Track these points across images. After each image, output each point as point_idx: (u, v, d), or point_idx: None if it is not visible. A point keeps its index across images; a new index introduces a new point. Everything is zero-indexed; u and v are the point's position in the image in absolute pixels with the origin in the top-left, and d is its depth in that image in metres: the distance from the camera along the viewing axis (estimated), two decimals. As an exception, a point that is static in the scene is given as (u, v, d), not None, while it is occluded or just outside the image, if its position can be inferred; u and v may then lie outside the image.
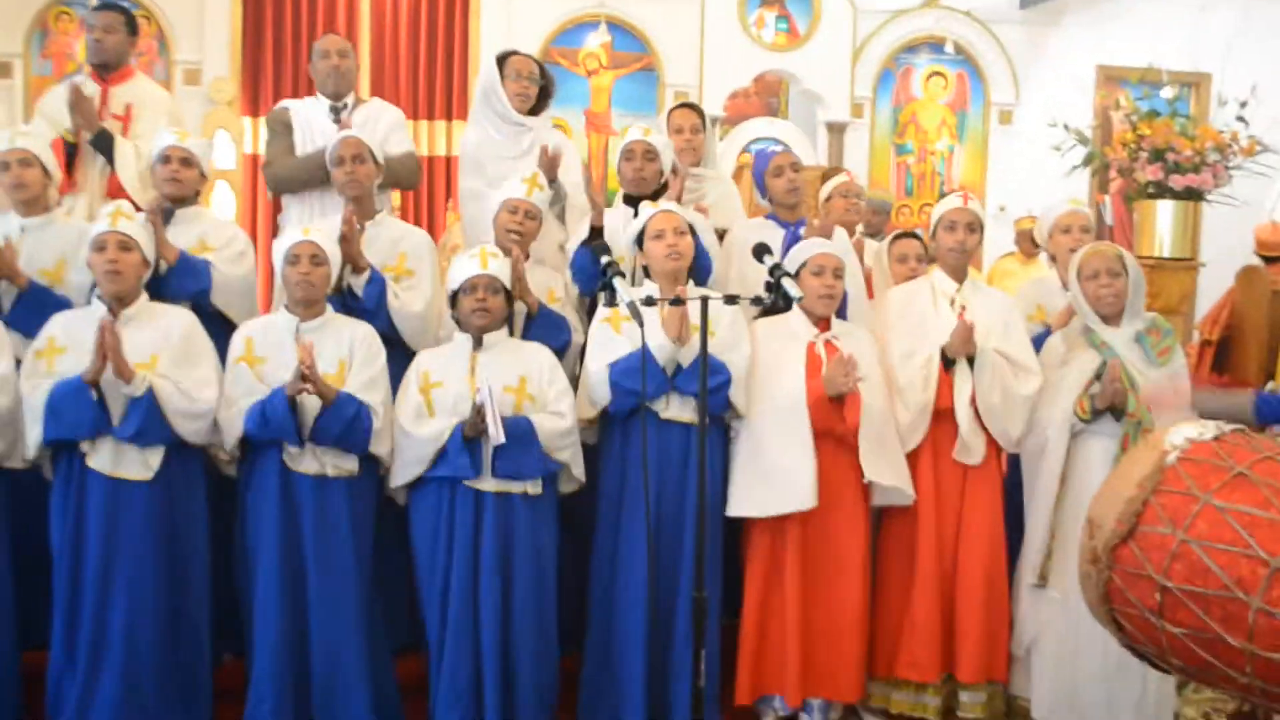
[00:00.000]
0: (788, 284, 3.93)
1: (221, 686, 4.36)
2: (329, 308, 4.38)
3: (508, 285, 4.38)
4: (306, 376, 4.04)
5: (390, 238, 4.85)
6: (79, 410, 3.97)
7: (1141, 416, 4.36)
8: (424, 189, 8.38)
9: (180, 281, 4.56)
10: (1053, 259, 5.23)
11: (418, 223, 8.22)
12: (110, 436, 4.02)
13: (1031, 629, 4.57)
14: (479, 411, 4.12)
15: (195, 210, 4.82)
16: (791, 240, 4.81)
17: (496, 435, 4.09)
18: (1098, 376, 4.44)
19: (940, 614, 4.64)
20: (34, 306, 4.44)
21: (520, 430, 4.19)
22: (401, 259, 4.83)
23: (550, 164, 5.00)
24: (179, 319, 4.27)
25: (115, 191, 5.22)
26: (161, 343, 4.13)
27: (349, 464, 4.25)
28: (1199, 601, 3.02)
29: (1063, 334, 4.77)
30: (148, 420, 3.99)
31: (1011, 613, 4.67)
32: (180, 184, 4.71)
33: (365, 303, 4.57)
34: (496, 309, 4.33)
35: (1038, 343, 4.82)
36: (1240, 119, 6.56)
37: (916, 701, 4.70)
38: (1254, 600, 2.93)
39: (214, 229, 4.84)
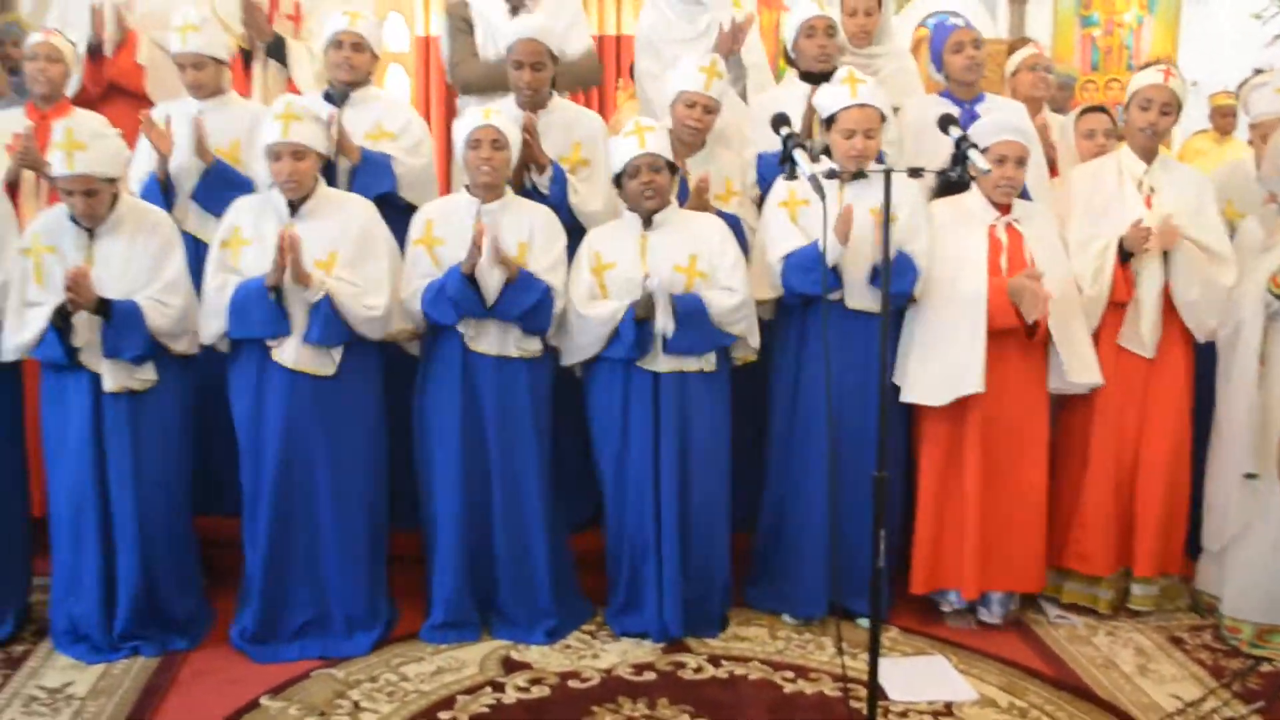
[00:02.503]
0: (975, 156, 3.81)
1: (394, 553, 4.51)
2: (509, 190, 4.40)
3: (668, 157, 4.33)
4: (489, 249, 4.08)
5: (564, 124, 4.80)
6: (260, 313, 4.09)
7: None
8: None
9: (366, 180, 4.63)
10: (1250, 143, 4.95)
11: (589, 104, 8.17)
12: (293, 339, 4.13)
13: (1232, 523, 4.43)
14: (650, 298, 4.12)
15: (369, 92, 4.87)
16: (968, 119, 4.64)
17: (666, 326, 4.10)
18: None
19: (1116, 506, 4.55)
20: (219, 184, 4.61)
21: (691, 308, 4.19)
22: (576, 148, 4.81)
23: (727, 41, 4.90)
24: (358, 212, 4.31)
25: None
26: (339, 238, 4.19)
27: (532, 345, 4.31)
28: None
29: (1260, 217, 4.54)
30: (328, 324, 4.09)
31: (1205, 509, 4.55)
32: (354, 69, 4.75)
33: (550, 199, 4.58)
34: (662, 186, 4.31)
35: None
36: None
37: (1089, 592, 4.65)
38: None
39: (389, 112, 4.87)
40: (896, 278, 4.17)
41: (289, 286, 4.07)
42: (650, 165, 4.27)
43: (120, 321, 4.03)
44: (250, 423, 4.23)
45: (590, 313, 4.26)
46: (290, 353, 4.15)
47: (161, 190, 4.63)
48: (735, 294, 4.28)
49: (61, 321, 4.02)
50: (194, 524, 4.42)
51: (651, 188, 4.27)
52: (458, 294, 4.16)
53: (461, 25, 5.32)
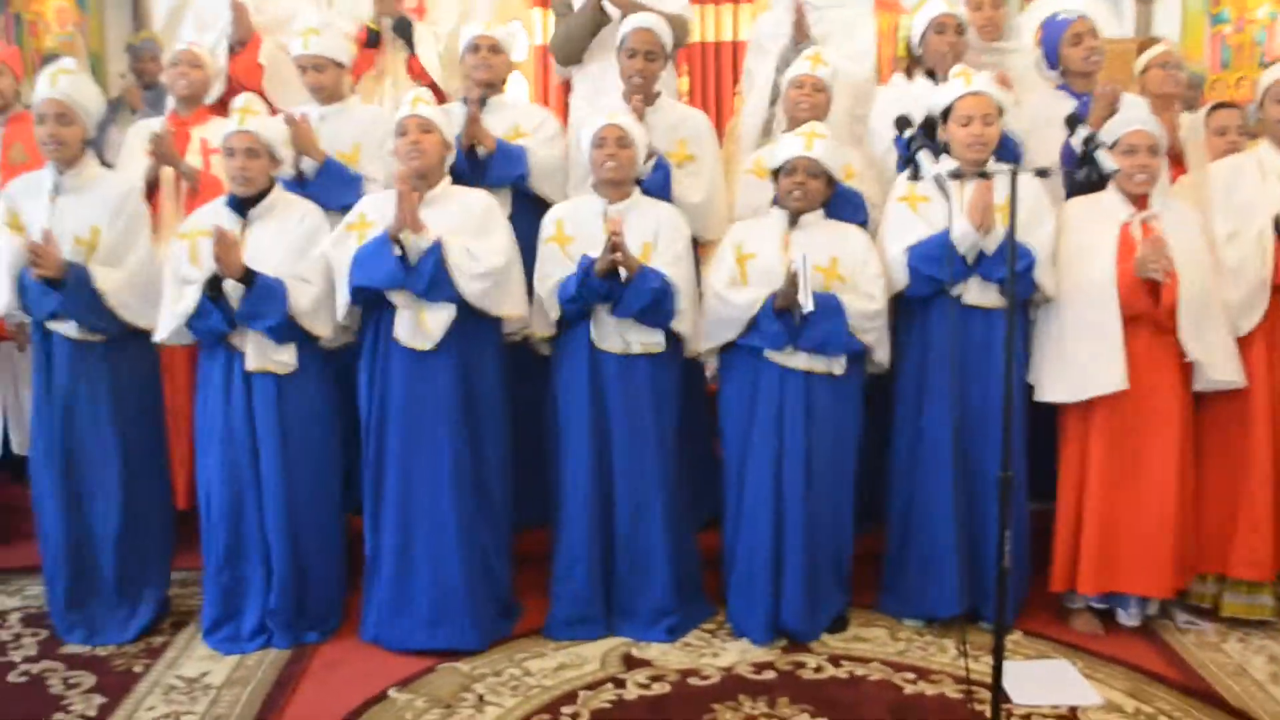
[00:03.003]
0: (1102, 156, 3.75)
1: (521, 553, 4.58)
2: (635, 190, 4.45)
3: (830, 170, 4.35)
4: (616, 247, 4.13)
5: (669, 123, 4.87)
6: (379, 260, 4.16)
7: None
8: (711, 73, 8.35)
9: (500, 168, 4.72)
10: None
11: (704, 107, 8.20)
12: (407, 301, 4.20)
13: None
14: (792, 279, 4.12)
15: (504, 98, 4.98)
16: (1085, 111, 4.58)
17: (806, 302, 4.09)
18: None
19: (1276, 507, 4.42)
20: (332, 180, 4.72)
21: (829, 305, 4.20)
22: (681, 145, 4.86)
23: (798, 28, 4.99)
24: (479, 199, 4.41)
25: (418, 74, 5.47)
26: (460, 219, 4.29)
27: (654, 340, 4.35)
28: None
29: None
30: (435, 273, 4.13)
31: None
32: (491, 69, 4.87)
33: (650, 188, 4.61)
34: (814, 192, 4.33)
35: None
36: None
37: (1251, 603, 4.50)
38: None
39: (525, 114, 4.98)
40: (1000, 263, 4.14)
41: (412, 244, 4.13)
42: (808, 169, 4.30)
43: (262, 289, 4.17)
44: (376, 414, 4.32)
45: (732, 297, 4.29)
46: (405, 326, 4.23)
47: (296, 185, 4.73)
48: (874, 301, 4.29)
49: (214, 292, 4.17)
50: (344, 521, 4.54)
51: (802, 189, 4.30)
52: (590, 291, 4.22)
53: (561, 9, 5.46)
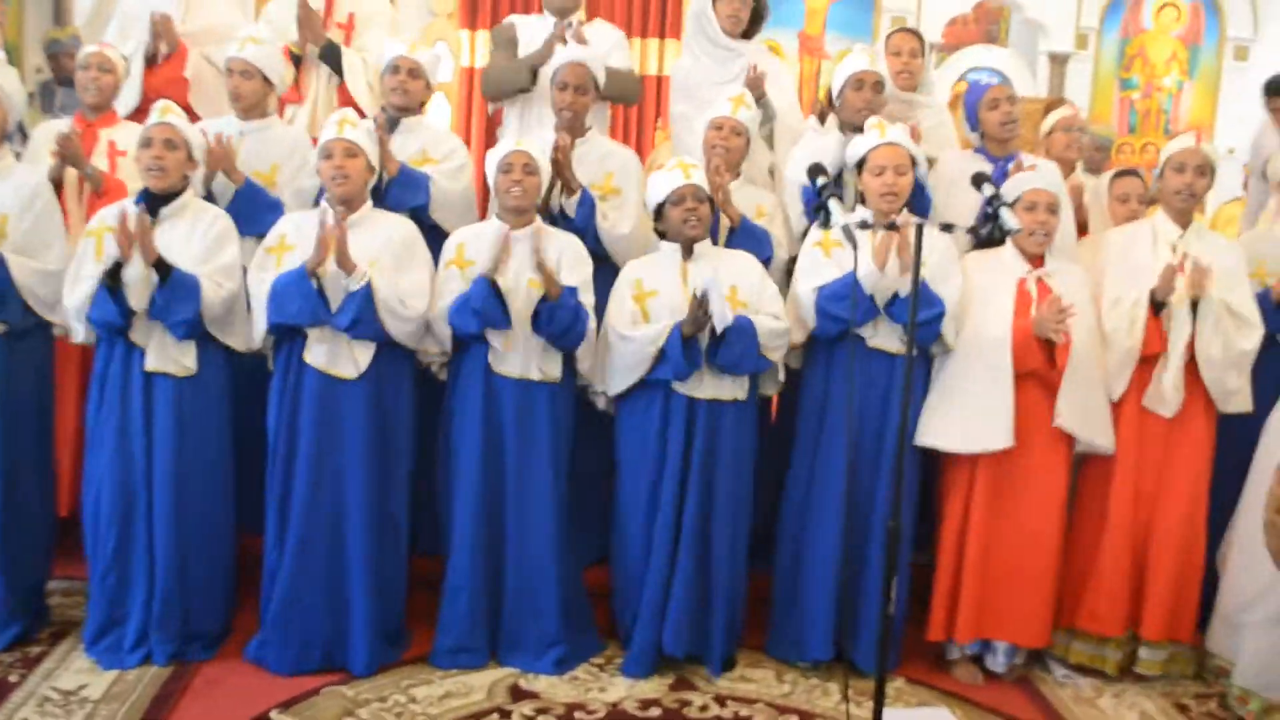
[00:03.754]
0: (1006, 215, 3.84)
1: (415, 578, 4.54)
2: (539, 218, 4.46)
3: (711, 195, 4.41)
4: (540, 266, 4.17)
5: (598, 156, 4.90)
6: (300, 298, 4.13)
7: None
8: (634, 107, 8.38)
9: (400, 194, 4.69)
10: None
11: (626, 141, 8.25)
12: (327, 332, 4.18)
13: (1250, 590, 4.41)
14: (701, 303, 4.16)
15: (418, 120, 4.95)
16: (1000, 176, 4.69)
17: (724, 316, 4.15)
18: None
19: (1131, 568, 4.54)
20: (248, 204, 4.65)
21: (740, 324, 4.24)
22: (609, 178, 4.89)
23: (754, 82, 4.98)
24: (402, 227, 4.41)
25: (345, 102, 5.41)
26: (382, 248, 4.27)
27: (553, 368, 4.35)
28: None
29: None
30: (362, 313, 4.13)
31: (1224, 574, 4.55)
32: (407, 94, 4.84)
33: (576, 222, 4.65)
34: (706, 216, 4.39)
35: (1260, 301, 4.66)
36: None
37: (1096, 653, 4.62)
38: None
39: (435, 140, 4.95)
40: (923, 307, 4.21)
41: (330, 276, 4.13)
42: (694, 194, 4.35)
43: (177, 284, 4.11)
44: (284, 435, 4.28)
45: (635, 333, 4.32)
46: (322, 353, 4.21)
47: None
48: (779, 320, 4.36)
49: (113, 281, 4.10)
50: (235, 533, 4.47)
51: (695, 215, 4.34)
52: (481, 303, 4.22)
53: (503, 43, 5.46)
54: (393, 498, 4.37)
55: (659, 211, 4.43)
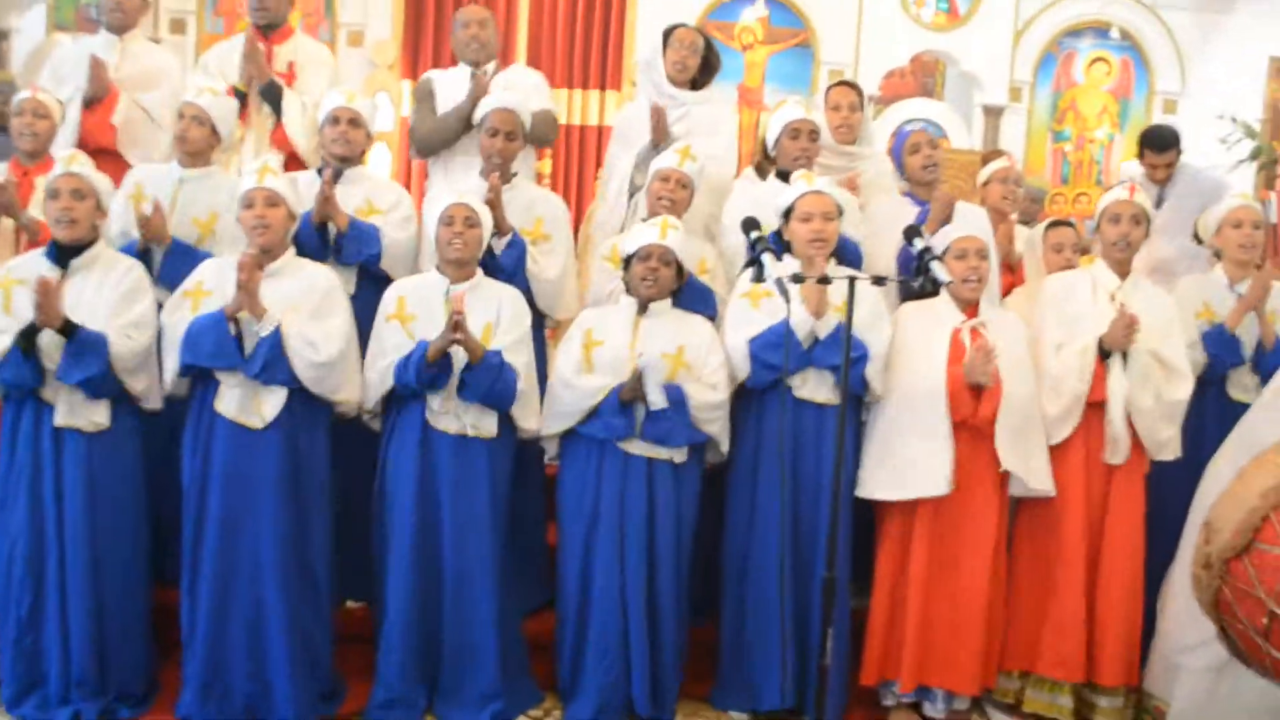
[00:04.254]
0: (936, 268, 3.88)
1: (343, 632, 4.49)
2: (480, 271, 4.46)
3: (680, 260, 4.42)
4: (458, 328, 4.12)
5: (526, 202, 4.90)
6: (214, 341, 4.10)
7: None
8: (575, 158, 8.43)
9: (353, 247, 4.66)
10: (1217, 255, 5.08)
11: (567, 191, 8.29)
12: (238, 380, 4.14)
13: (1193, 635, 4.41)
14: (638, 378, 4.18)
15: (361, 171, 4.92)
16: (923, 220, 4.76)
17: (657, 401, 4.17)
18: None
19: (1085, 613, 4.57)
20: (180, 263, 4.56)
21: (674, 398, 4.25)
22: (538, 224, 4.89)
23: (654, 123, 5.04)
24: (322, 276, 4.36)
25: (281, 141, 5.40)
26: (301, 297, 4.24)
27: (489, 425, 4.32)
28: None
29: None
30: (271, 358, 4.09)
31: (1162, 616, 4.58)
32: (349, 144, 4.80)
33: (504, 264, 4.63)
34: (665, 280, 4.39)
35: (1211, 339, 4.78)
36: None
37: (1050, 701, 4.62)
38: None
39: (380, 190, 4.91)
40: (834, 351, 4.27)
41: (247, 321, 4.10)
42: (662, 256, 4.35)
43: (83, 342, 4.05)
44: (196, 486, 4.22)
45: (578, 383, 4.32)
46: (232, 402, 4.16)
47: (139, 254, 4.61)
48: (717, 391, 4.36)
49: (27, 344, 4.04)
50: (151, 588, 4.39)
51: (655, 276, 4.35)
52: (418, 370, 4.19)
53: (423, 97, 5.47)
54: (311, 547, 4.30)
55: (627, 263, 4.44)
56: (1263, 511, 3.03)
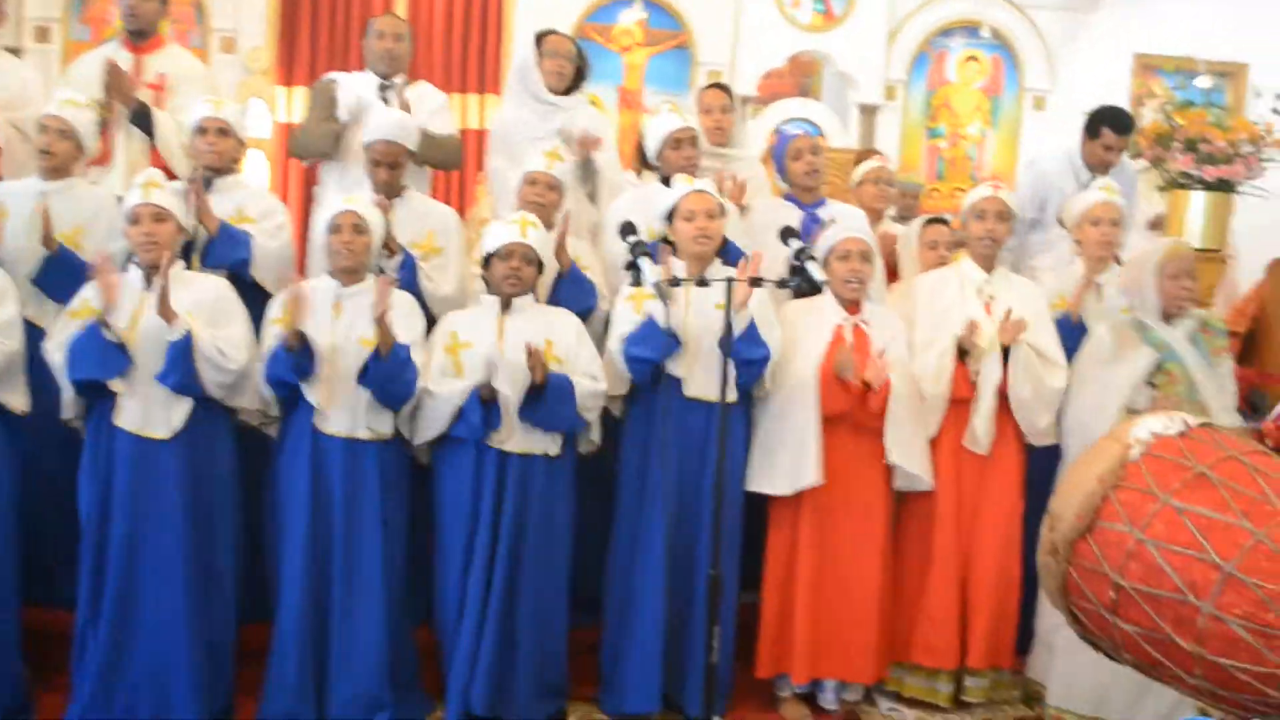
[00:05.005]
0: (812, 268, 3.95)
1: (246, 648, 4.43)
2: (370, 277, 4.43)
3: (543, 259, 4.43)
4: (381, 320, 4.12)
5: (417, 215, 4.89)
6: (96, 352, 4.03)
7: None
8: (456, 161, 8.38)
9: (221, 251, 4.61)
10: (1078, 245, 5.21)
11: (448, 196, 8.21)
12: (137, 392, 4.08)
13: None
14: (491, 376, 4.21)
15: (234, 179, 4.86)
16: (809, 223, 4.84)
17: (508, 394, 4.21)
18: (1150, 378, 4.44)
19: (958, 600, 4.68)
20: (61, 271, 4.50)
21: (561, 385, 4.27)
22: (430, 236, 4.88)
23: (587, 143, 5.04)
24: (214, 284, 4.35)
25: (158, 164, 5.27)
26: (195, 305, 4.19)
27: (383, 426, 4.32)
28: (1152, 602, 3.04)
29: (1111, 327, 4.72)
30: (181, 364, 4.04)
31: (1039, 602, 4.68)
32: (218, 154, 4.75)
33: (399, 285, 4.59)
34: (528, 278, 4.39)
35: (1060, 328, 4.85)
36: (1276, 111, 6.50)
37: (928, 686, 4.75)
38: (1205, 605, 2.94)
39: (252, 199, 4.87)
40: (755, 345, 4.35)
41: (149, 331, 4.05)
42: (524, 254, 4.35)
43: None
44: (97, 504, 4.15)
45: (439, 389, 4.30)
46: (134, 414, 4.11)
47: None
48: (597, 381, 4.39)
49: None
50: (20, 611, 4.28)
51: (517, 275, 4.35)
52: (280, 356, 4.18)
53: (321, 100, 5.40)
54: (218, 559, 4.26)
55: (487, 261, 4.43)
56: (1101, 493, 3.16)
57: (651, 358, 4.35)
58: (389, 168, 4.77)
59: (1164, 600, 3.03)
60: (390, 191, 4.78)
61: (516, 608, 4.33)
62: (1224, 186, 6.38)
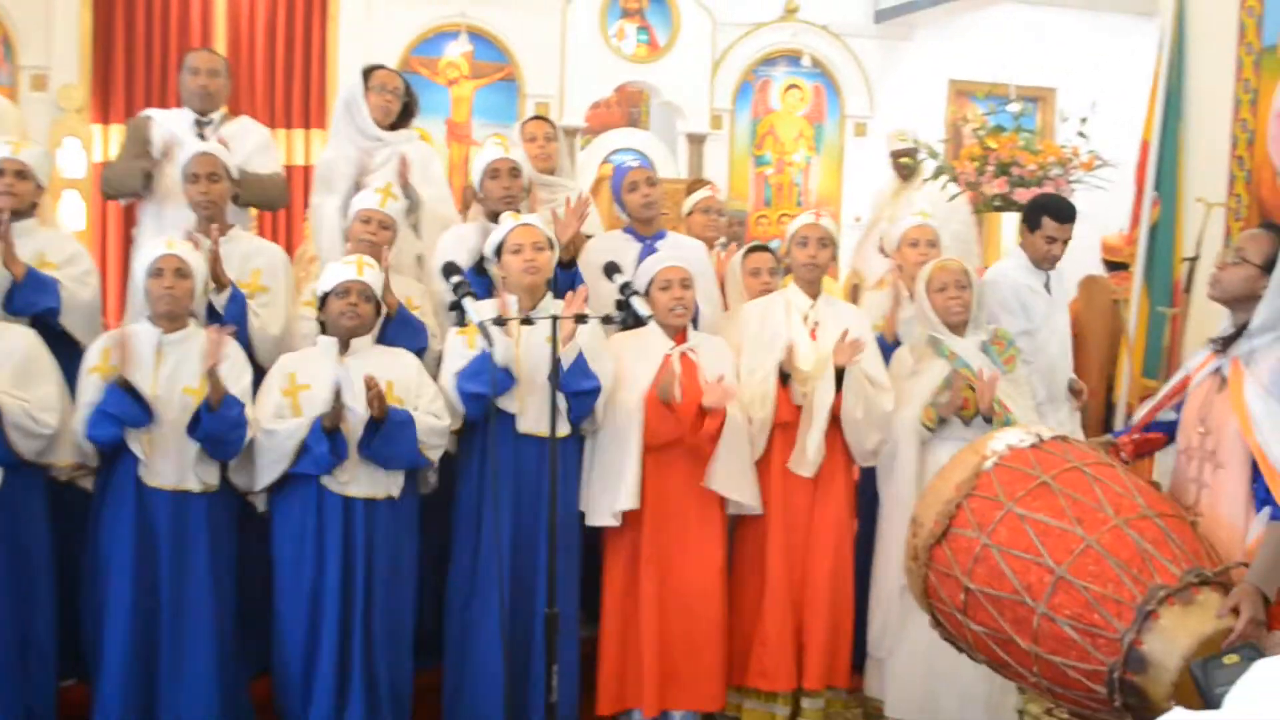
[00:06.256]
0: (637, 303, 3.98)
1: (64, 713, 4.28)
2: (193, 322, 4.33)
3: (379, 296, 4.38)
4: (212, 371, 4.02)
5: (243, 253, 4.78)
6: None
7: (1007, 419, 4.44)
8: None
9: (27, 297, 4.42)
10: (899, 269, 5.35)
11: (275, 233, 8.10)
12: None
13: (893, 631, 4.67)
14: (338, 395, 4.13)
15: (32, 223, 4.65)
16: (647, 255, 4.87)
17: (359, 411, 4.14)
18: (947, 385, 4.58)
19: (792, 623, 4.73)
20: None
21: (401, 419, 4.21)
22: (255, 275, 4.78)
23: (401, 172, 4.99)
24: (20, 338, 4.18)
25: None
26: (2, 361, 4.04)
27: (210, 477, 4.21)
28: (995, 604, 3.23)
29: (910, 346, 4.87)
30: None
31: (869, 619, 4.78)
32: (15, 197, 4.54)
33: (227, 320, 4.51)
34: (366, 315, 4.34)
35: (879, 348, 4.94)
36: (1081, 134, 6.80)
37: (767, 710, 4.78)
38: (1039, 606, 3.13)
39: (53, 244, 4.67)
40: (583, 378, 4.35)
41: None
42: (361, 292, 4.30)
43: None
44: None
45: (279, 427, 4.21)
46: None
47: None
48: (440, 419, 4.35)
49: None
50: None
51: (355, 310, 4.29)
52: (118, 403, 4.04)
53: (135, 137, 5.23)
54: (36, 622, 4.10)
55: (323, 301, 4.36)
56: (956, 501, 3.33)
57: (485, 393, 4.32)
58: (208, 179, 4.65)
59: (1005, 601, 3.20)
60: (217, 219, 4.67)
61: (374, 654, 4.26)
62: (1037, 208, 6.64)
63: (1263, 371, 3.29)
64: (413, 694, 4.45)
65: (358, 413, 4.19)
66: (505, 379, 4.37)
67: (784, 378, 4.67)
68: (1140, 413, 3.84)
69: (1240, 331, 3.41)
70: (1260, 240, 3.44)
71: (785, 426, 4.70)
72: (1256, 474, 3.27)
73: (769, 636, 4.70)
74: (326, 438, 4.16)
